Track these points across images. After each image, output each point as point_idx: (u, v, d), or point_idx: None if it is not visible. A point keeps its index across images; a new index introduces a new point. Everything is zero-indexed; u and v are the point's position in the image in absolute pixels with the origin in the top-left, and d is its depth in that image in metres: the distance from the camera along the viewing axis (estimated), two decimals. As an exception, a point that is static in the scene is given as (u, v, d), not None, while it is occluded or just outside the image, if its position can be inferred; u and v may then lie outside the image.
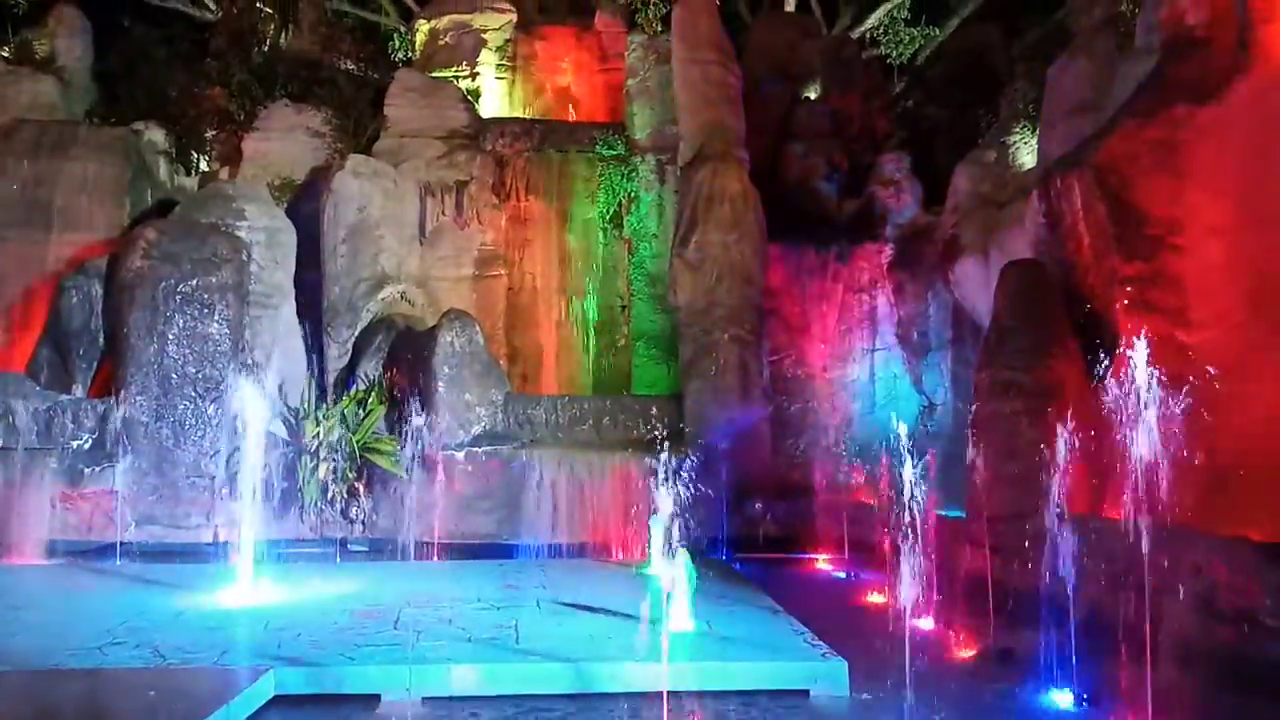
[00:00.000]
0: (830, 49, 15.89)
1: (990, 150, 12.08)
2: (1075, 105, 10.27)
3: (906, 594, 6.14)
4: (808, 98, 15.00)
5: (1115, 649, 5.43)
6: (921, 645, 6.01)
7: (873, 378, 12.03)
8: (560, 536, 10.39)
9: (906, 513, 6.43)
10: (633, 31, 14.84)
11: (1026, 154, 11.86)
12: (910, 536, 6.20)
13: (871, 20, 20.89)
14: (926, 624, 6.96)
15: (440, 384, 10.53)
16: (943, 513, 8.31)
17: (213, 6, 19.15)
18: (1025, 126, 11.85)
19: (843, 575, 9.22)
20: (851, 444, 11.67)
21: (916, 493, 6.56)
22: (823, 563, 9.74)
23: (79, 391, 10.48)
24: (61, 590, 8.00)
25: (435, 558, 9.69)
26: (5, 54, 14.33)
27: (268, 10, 15.23)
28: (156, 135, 13.48)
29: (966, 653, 6.43)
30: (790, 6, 20.70)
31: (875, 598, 8.12)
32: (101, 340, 10.63)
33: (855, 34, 20.35)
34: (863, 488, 10.39)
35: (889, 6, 20.65)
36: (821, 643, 6.14)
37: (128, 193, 12.34)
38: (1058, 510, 6.61)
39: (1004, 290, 8.61)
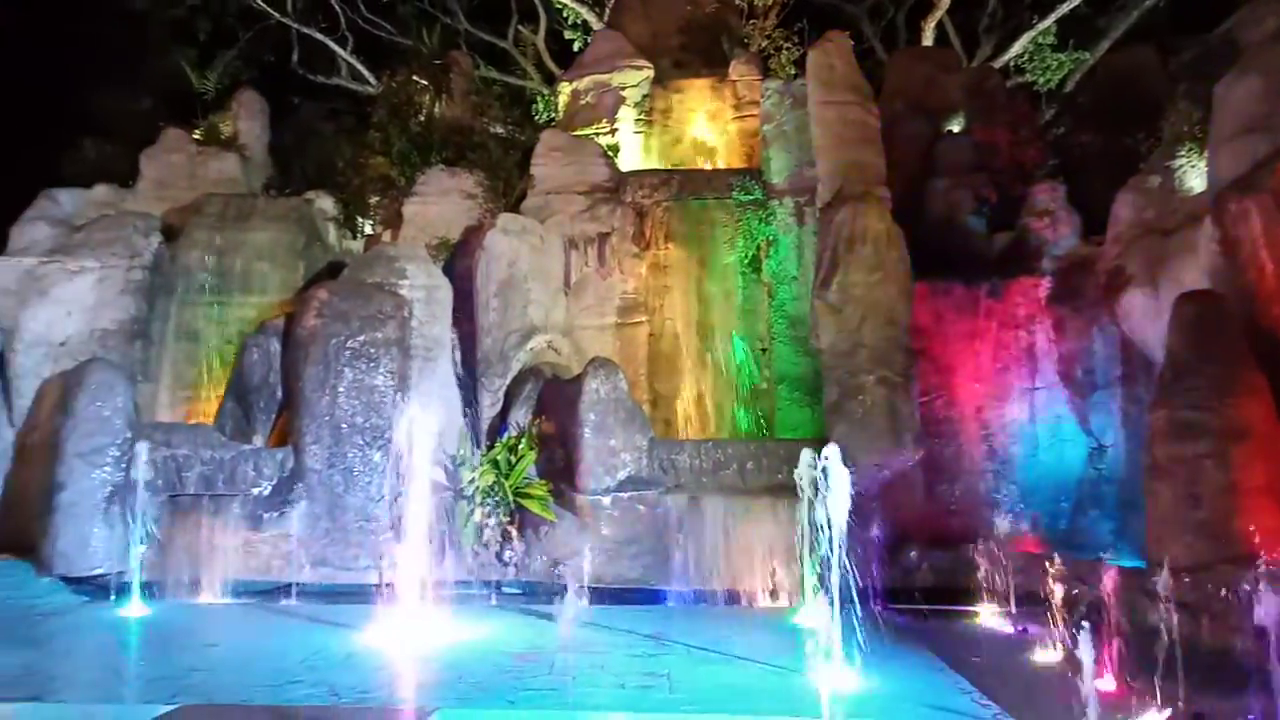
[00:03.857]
0: (972, 81, 15.51)
1: (1153, 175, 11.41)
2: (1246, 124, 9.58)
3: (1082, 651, 5.77)
4: (950, 131, 14.65)
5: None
6: (1100, 707, 5.60)
7: (1033, 418, 11.38)
8: (707, 583, 10.32)
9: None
10: (767, 78, 14.98)
11: (1194, 178, 11.13)
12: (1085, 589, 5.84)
13: (1015, 49, 20.28)
14: (1106, 684, 6.49)
15: (586, 430, 10.73)
16: (1120, 563, 7.78)
17: (373, 81, 20.69)
18: (1191, 149, 11.15)
19: (1009, 630, 8.72)
20: (1015, 489, 11.10)
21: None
22: (986, 616, 9.24)
23: (259, 441, 11.27)
24: (246, 629, 8.60)
25: (584, 602, 9.81)
26: (196, 136, 15.87)
27: (423, 82, 16.23)
28: (326, 203, 14.54)
29: (1153, 717, 5.95)
30: (928, 40, 20.39)
31: (1047, 654, 7.63)
32: (279, 393, 11.45)
33: (998, 64, 19.80)
34: (1029, 535, 9.84)
35: (1033, 34, 20.01)
36: (992, 702, 5.85)
37: (301, 257, 13.33)
38: (1253, 561, 6.08)
39: (1178, 323, 8.08)
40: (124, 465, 10.24)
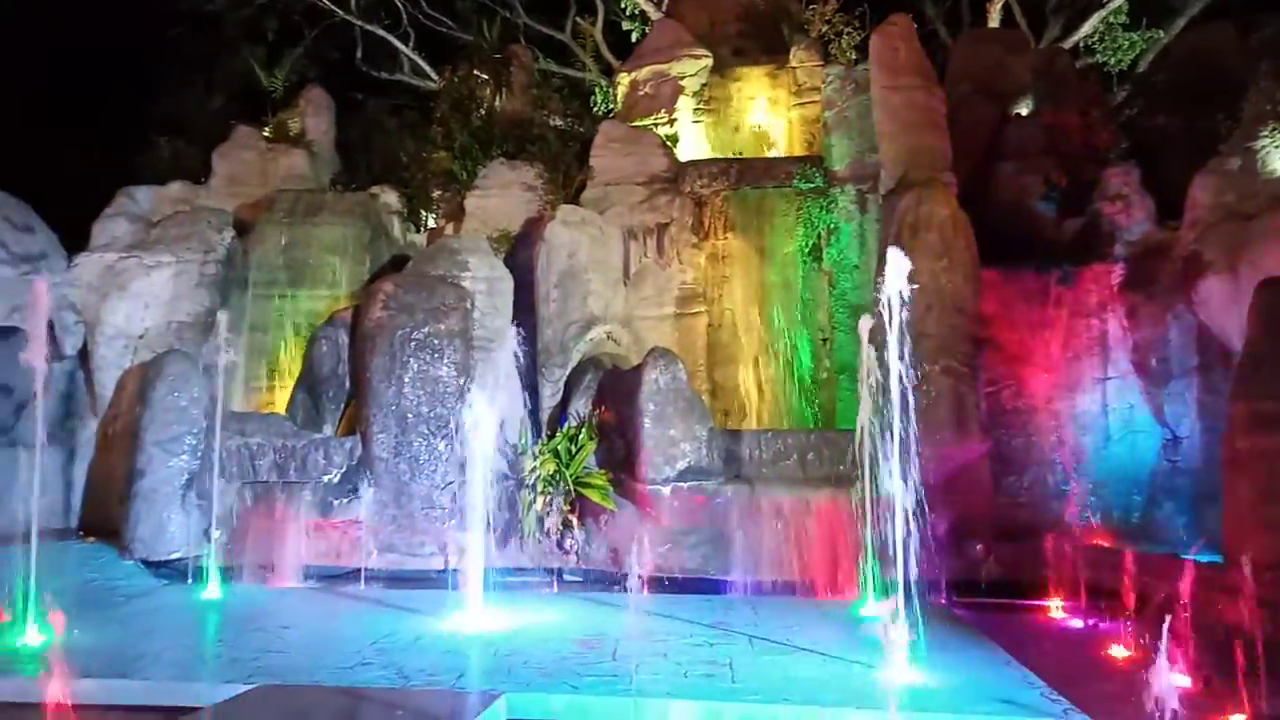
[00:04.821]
0: (1041, 62, 15.08)
1: (1233, 157, 10.97)
2: (1337, 101, 9.19)
3: (1157, 647, 5.62)
4: (1018, 114, 14.29)
5: None
6: (1174, 705, 5.45)
7: (1105, 409, 11.07)
8: (767, 573, 10.27)
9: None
10: (828, 64, 14.80)
11: (1277, 160, 10.67)
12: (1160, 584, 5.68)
13: (1085, 29, 19.66)
14: (1181, 681, 6.31)
15: (646, 420, 10.75)
16: (1196, 558, 7.55)
17: (435, 77, 20.99)
18: (1274, 129, 10.67)
19: (1079, 624, 8.52)
20: (1086, 481, 10.81)
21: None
22: (1055, 610, 9.04)
23: (328, 430, 11.58)
24: (318, 612, 8.84)
25: (644, 590, 9.87)
26: (266, 133, 16.29)
27: (484, 77, 16.42)
28: (390, 198, 14.81)
29: (1232, 718, 5.77)
30: (994, 21, 19.90)
31: (1118, 650, 7.45)
32: (348, 384, 11.73)
33: (1067, 44, 19.23)
34: (1100, 528, 9.57)
35: (1104, 13, 19.37)
36: (1061, 697, 5.73)
37: (368, 250, 13.62)
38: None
39: (1259, 311, 7.79)
40: (200, 453, 10.61)
